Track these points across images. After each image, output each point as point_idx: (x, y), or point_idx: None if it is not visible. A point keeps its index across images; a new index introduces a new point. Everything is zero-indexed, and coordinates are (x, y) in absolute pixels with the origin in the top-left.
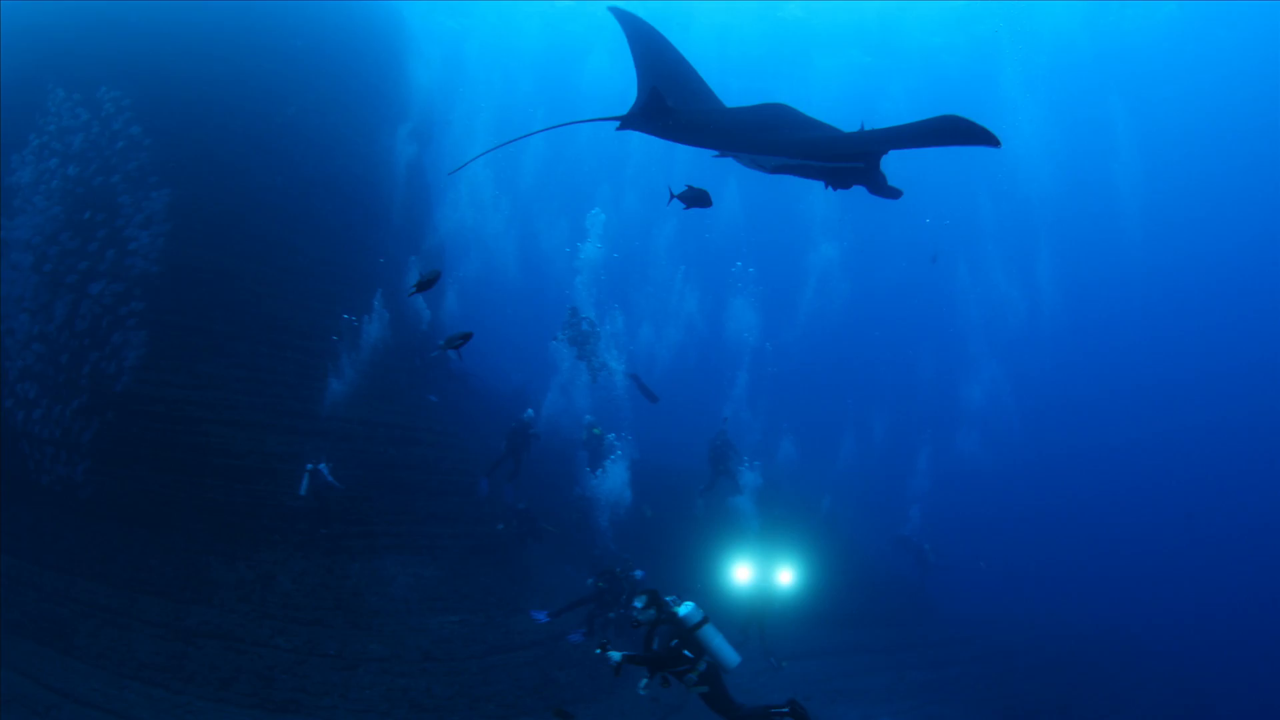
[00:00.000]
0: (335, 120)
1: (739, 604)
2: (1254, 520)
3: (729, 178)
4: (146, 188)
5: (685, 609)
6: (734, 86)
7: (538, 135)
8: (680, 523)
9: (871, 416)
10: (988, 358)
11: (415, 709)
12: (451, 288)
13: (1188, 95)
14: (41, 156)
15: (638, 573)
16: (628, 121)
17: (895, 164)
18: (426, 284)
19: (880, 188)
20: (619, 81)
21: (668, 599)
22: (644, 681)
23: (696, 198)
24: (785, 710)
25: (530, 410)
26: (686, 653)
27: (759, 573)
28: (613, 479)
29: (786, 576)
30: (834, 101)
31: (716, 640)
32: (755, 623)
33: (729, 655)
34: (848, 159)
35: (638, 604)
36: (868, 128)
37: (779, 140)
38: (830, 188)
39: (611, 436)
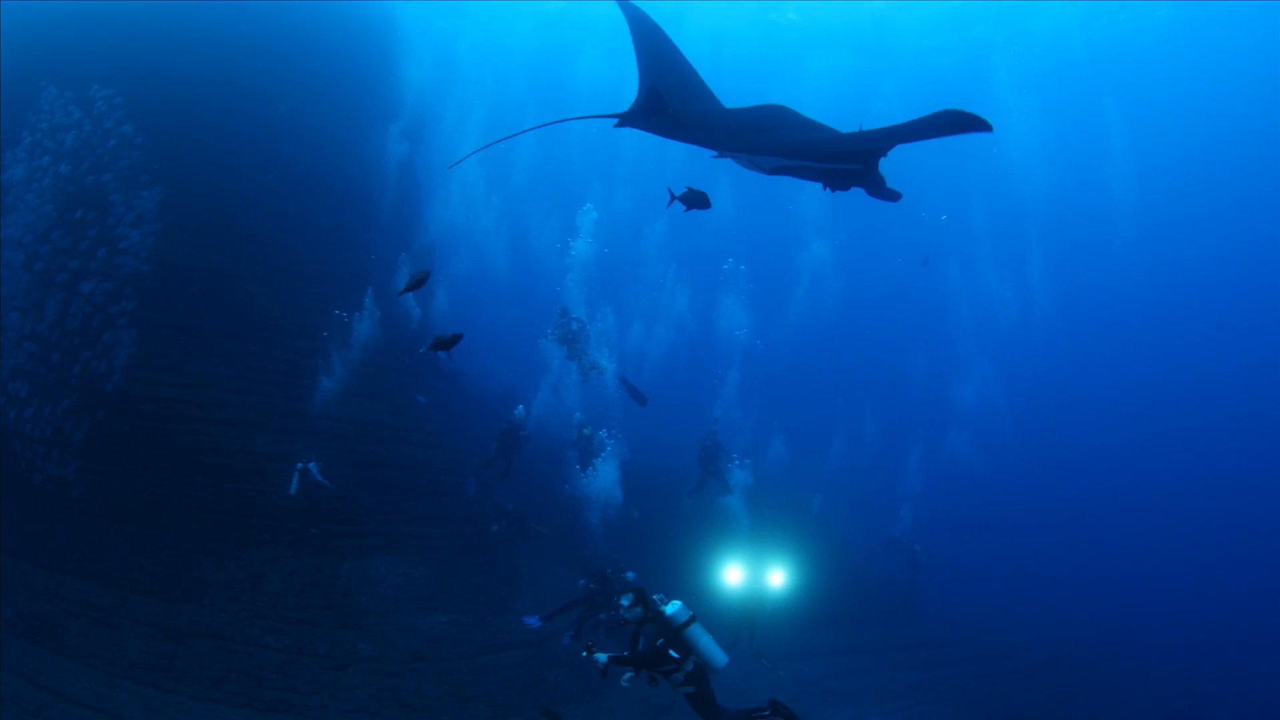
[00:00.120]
0: (327, 119)
1: (730, 605)
2: (1248, 520)
3: (721, 177)
4: (138, 186)
5: (672, 607)
6: (727, 88)
7: (528, 134)
8: (670, 524)
9: (863, 416)
10: (979, 358)
11: (404, 709)
12: (442, 286)
13: (1181, 97)
14: (34, 154)
15: (629, 574)
16: (626, 119)
17: (890, 164)
18: (416, 284)
19: (879, 190)
20: (610, 81)
21: (655, 597)
22: (628, 674)
23: (696, 199)
24: (766, 712)
25: (520, 407)
26: (673, 652)
27: (750, 574)
28: (603, 478)
29: (778, 578)
30: (827, 103)
31: (704, 640)
32: (746, 624)
33: (716, 655)
34: (846, 160)
35: (624, 601)
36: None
37: (778, 141)
38: (829, 189)
39: (602, 434)
